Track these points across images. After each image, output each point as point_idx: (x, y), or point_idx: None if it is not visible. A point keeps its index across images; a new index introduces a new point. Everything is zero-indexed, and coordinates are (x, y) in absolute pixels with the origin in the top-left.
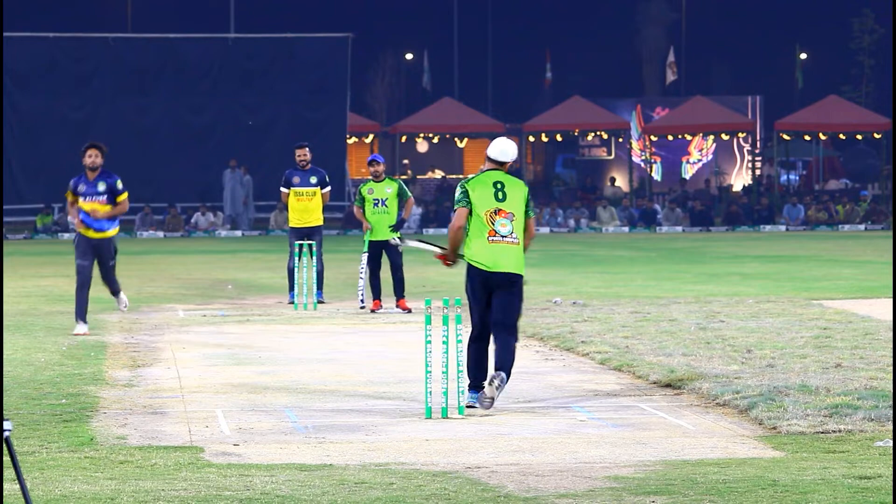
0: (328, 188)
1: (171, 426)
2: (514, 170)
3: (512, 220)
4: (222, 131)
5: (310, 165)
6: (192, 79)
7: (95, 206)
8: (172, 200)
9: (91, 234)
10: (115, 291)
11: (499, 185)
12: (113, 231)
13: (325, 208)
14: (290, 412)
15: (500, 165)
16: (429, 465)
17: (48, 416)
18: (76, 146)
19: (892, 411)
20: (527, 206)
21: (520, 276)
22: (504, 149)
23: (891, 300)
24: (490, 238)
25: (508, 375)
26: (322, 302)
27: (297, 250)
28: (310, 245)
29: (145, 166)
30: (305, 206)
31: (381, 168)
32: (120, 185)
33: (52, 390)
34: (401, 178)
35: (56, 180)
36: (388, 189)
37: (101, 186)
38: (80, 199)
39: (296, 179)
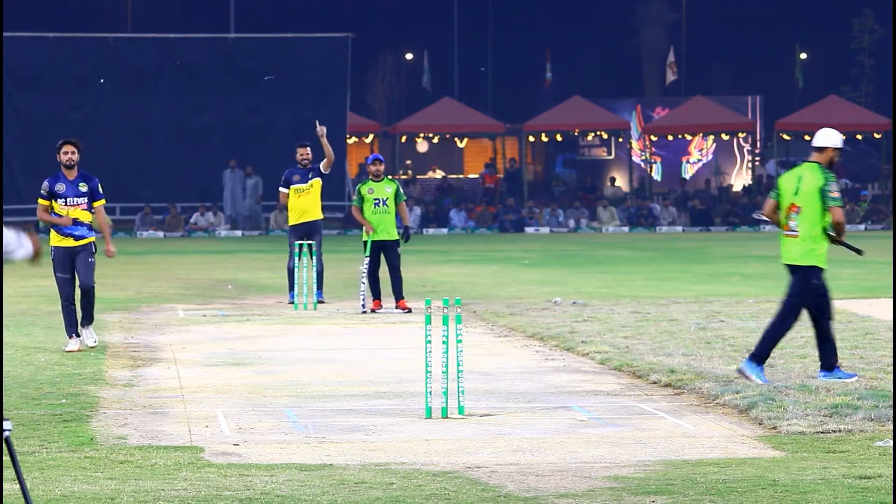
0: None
1: (171, 426)
2: (514, 170)
3: (799, 214)
4: (222, 131)
5: (310, 164)
6: (192, 79)
7: (79, 212)
8: (172, 200)
9: (69, 242)
10: (89, 316)
11: (799, 179)
12: (93, 237)
13: (325, 208)
14: (290, 412)
15: (818, 154)
16: (429, 465)
17: (48, 415)
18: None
19: (892, 411)
20: (822, 196)
21: (804, 267)
22: (821, 133)
23: (891, 300)
24: (785, 232)
25: (827, 355)
26: (322, 302)
27: (296, 250)
28: (310, 245)
29: (145, 166)
30: (305, 202)
31: (382, 168)
32: (101, 188)
33: (52, 390)
34: (398, 179)
35: None
36: (387, 189)
37: (83, 187)
38: (59, 203)
39: (295, 178)
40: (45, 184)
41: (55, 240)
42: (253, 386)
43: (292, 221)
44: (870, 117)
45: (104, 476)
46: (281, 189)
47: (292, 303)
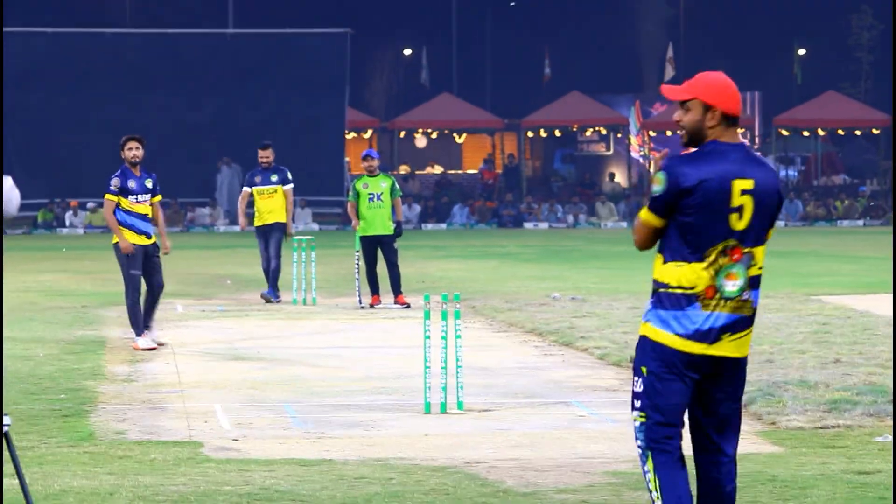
0: (290, 185)
1: (170, 421)
2: (513, 166)
3: None
4: (221, 127)
5: (272, 165)
6: (191, 74)
7: (147, 208)
8: (171, 195)
9: (143, 240)
10: (152, 316)
11: None
12: (155, 237)
13: (324, 203)
14: (289, 407)
15: None
16: (428, 461)
17: (47, 410)
18: (75, 142)
19: (891, 406)
20: None
21: None
22: None
23: (890, 295)
24: None
25: None
26: (270, 301)
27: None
28: (307, 240)
29: (144, 162)
30: (266, 203)
31: (375, 163)
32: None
33: (51, 385)
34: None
35: (56, 177)
36: (382, 184)
37: (149, 183)
38: (129, 199)
39: (257, 179)
40: (116, 180)
41: (133, 237)
42: (252, 381)
43: (257, 223)
44: (868, 113)
45: (103, 471)
46: (244, 188)
47: (268, 300)
